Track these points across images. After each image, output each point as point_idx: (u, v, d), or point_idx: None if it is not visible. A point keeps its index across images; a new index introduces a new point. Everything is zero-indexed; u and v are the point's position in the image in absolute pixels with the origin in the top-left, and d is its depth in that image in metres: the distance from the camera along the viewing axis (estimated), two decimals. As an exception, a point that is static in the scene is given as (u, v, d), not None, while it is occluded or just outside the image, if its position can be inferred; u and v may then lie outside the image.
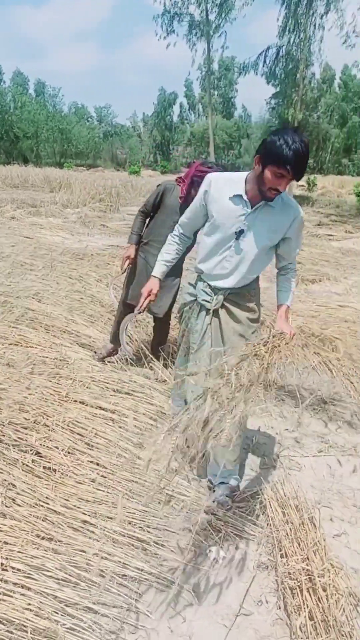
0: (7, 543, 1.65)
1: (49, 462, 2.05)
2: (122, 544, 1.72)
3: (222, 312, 1.92)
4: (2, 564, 1.56)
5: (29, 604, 1.46)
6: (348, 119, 40.46)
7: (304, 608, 1.51)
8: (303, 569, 1.63)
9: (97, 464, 2.10)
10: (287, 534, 1.80)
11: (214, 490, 2.04)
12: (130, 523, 1.80)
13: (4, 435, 2.14)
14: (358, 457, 2.44)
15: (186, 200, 2.72)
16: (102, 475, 2.04)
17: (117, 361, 3.16)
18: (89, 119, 56.24)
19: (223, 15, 20.16)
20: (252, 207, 1.75)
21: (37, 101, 46.65)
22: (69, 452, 2.13)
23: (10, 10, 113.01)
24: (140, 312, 2.20)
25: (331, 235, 9.94)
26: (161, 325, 3.09)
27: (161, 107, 50.77)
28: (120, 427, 2.39)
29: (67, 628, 1.42)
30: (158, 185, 2.86)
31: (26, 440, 2.13)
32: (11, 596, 1.47)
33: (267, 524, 1.90)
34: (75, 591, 1.54)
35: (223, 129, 47.67)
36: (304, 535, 1.78)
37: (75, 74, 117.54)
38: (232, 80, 49.91)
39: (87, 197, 12.25)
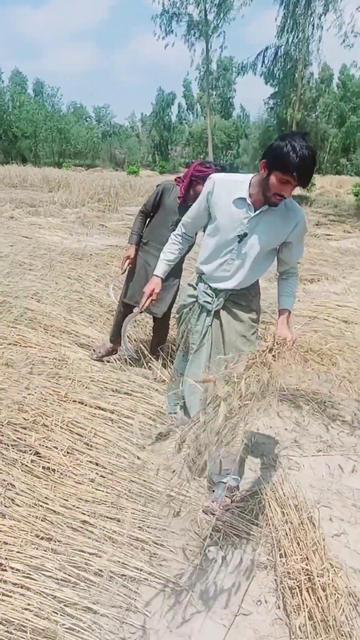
0: (6, 543, 1.65)
1: (48, 462, 2.05)
2: (121, 543, 1.72)
3: (223, 313, 1.91)
4: (1, 564, 1.56)
5: (29, 604, 1.45)
6: (346, 119, 40.42)
7: (304, 608, 1.51)
8: (302, 569, 1.63)
9: (96, 464, 2.10)
10: (287, 534, 1.80)
11: (214, 490, 2.04)
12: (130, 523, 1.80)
13: (3, 436, 2.13)
14: (357, 457, 2.45)
15: (184, 200, 2.72)
16: (101, 475, 2.04)
17: (115, 361, 3.16)
18: (88, 119, 56.17)
19: (221, 16, 20.17)
20: (255, 211, 1.74)
21: (36, 101, 46.52)
22: (68, 452, 2.13)
23: (10, 10, 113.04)
24: (140, 312, 2.20)
25: (329, 234, 9.94)
26: (160, 325, 3.09)
27: (159, 107, 50.68)
28: (119, 427, 2.39)
29: (66, 628, 1.42)
30: (158, 186, 2.87)
31: (25, 441, 2.13)
32: (10, 596, 1.47)
33: (267, 524, 1.90)
34: (74, 591, 1.54)
35: (221, 129, 47.57)
36: (304, 535, 1.78)
37: (74, 73, 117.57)
38: (231, 80, 49.80)
39: (86, 197, 12.21)
